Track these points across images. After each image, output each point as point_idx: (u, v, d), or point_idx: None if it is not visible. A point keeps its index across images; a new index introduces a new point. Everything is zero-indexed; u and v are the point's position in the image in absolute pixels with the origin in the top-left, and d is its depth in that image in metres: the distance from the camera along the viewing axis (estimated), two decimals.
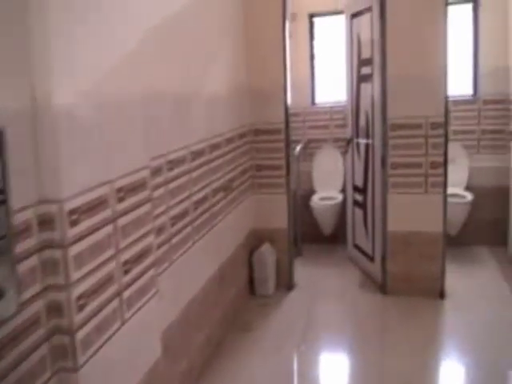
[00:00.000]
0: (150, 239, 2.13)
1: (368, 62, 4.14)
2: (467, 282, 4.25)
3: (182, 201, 2.65)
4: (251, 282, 4.07)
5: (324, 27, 5.36)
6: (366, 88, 4.23)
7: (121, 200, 1.90)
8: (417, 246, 3.91)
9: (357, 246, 4.62)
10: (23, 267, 1.45)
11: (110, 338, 1.80)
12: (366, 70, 4.21)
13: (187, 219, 2.73)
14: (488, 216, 4.97)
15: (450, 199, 4.40)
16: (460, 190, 4.88)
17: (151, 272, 2.13)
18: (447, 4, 3.66)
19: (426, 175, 3.86)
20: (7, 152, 1.33)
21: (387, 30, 3.75)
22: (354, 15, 4.39)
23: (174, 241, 2.54)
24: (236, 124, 3.72)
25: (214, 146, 3.20)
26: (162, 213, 2.40)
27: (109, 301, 1.81)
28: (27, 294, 1.47)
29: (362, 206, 4.45)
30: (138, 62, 2.06)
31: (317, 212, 4.85)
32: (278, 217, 4.11)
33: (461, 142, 5.01)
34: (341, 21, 4.76)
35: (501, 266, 4.55)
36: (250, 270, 4.05)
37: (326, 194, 5.05)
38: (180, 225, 2.63)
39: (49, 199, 1.53)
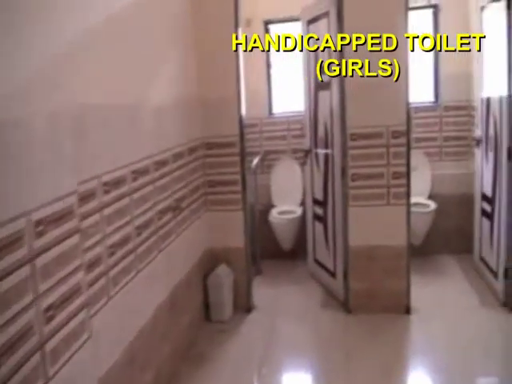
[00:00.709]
0: (80, 276, 1.86)
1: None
2: (434, 295, 4.11)
3: (121, 227, 2.37)
4: (206, 306, 3.80)
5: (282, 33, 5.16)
6: (324, 96, 4.04)
7: (40, 235, 1.63)
8: (380, 260, 3.74)
9: (318, 262, 4.42)
10: None
11: None
12: (324, 78, 4.02)
13: (129, 246, 2.46)
14: (452, 224, 4.88)
15: (412, 209, 4.26)
16: (423, 199, 4.75)
17: (82, 315, 1.86)
18: (408, 9, 3.51)
19: (388, 186, 3.68)
20: None
21: (345, 35, 3.57)
22: (311, 21, 4.20)
23: (112, 273, 2.26)
24: (186, 138, 3.47)
25: (161, 163, 2.94)
26: (97, 243, 2.12)
27: (27, 358, 1.53)
28: None
29: (322, 219, 4.25)
30: (65, 72, 1.82)
31: (276, 227, 4.63)
32: (235, 235, 3.87)
33: (423, 150, 4.90)
34: (298, 28, 4.56)
35: (467, 274, 4.46)
36: (204, 294, 3.78)
37: (285, 208, 4.85)
38: (120, 254, 2.35)
39: None
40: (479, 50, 4.31)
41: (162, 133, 3.01)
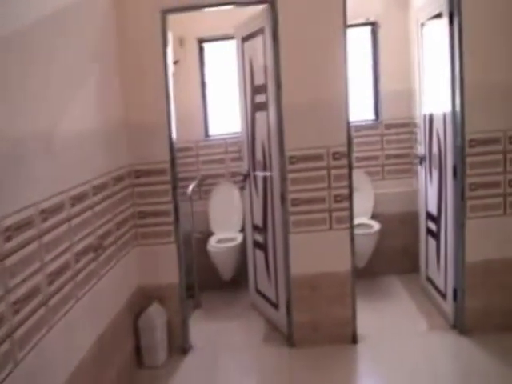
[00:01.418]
0: None
1: (262, 88, 3.75)
2: (381, 320, 3.97)
3: (27, 278, 2.05)
4: (138, 351, 3.47)
5: (216, 53, 4.94)
6: (261, 117, 3.83)
7: None
8: (324, 289, 3.54)
9: (260, 292, 4.17)
10: None
11: None
12: (260, 98, 3.82)
13: (39, 298, 2.14)
14: (397, 243, 4.78)
15: (356, 230, 4.10)
16: (366, 220, 4.61)
17: None
18: (346, 26, 3.37)
19: (330, 210, 3.50)
20: None
21: (281, 54, 3.39)
22: (246, 38, 4.00)
23: (17, 334, 1.94)
24: (110, 166, 3.17)
25: (77, 198, 2.63)
26: None
27: None
28: None
29: (262, 247, 4.02)
30: None
31: (214, 256, 4.35)
32: (168, 270, 3.56)
33: (364, 169, 4.76)
34: (233, 46, 4.35)
35: (414, 296, 4.34)
36: (136, 337, 3.45)
37: (225, 236, 4.58)
38: (27, 309, 2.03)
39: None
40: (420, 67, 4.23)
41: (80, 163, 2.70)
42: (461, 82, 3.40)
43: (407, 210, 4.68)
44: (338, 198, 3.48)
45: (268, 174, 3.77)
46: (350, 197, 3.48)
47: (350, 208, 3.49)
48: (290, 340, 3.61)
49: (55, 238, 2.33)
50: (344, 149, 3.43)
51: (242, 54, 4.11)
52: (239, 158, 4.66)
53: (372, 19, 4.71)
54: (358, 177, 4.67)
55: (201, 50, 4.90)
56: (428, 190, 4.18)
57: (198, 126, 4.87)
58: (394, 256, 4.78)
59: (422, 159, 4.25)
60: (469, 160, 3.47)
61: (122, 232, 3.29)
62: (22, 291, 2.00)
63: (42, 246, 2.19)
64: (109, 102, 3.26)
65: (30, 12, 2.22)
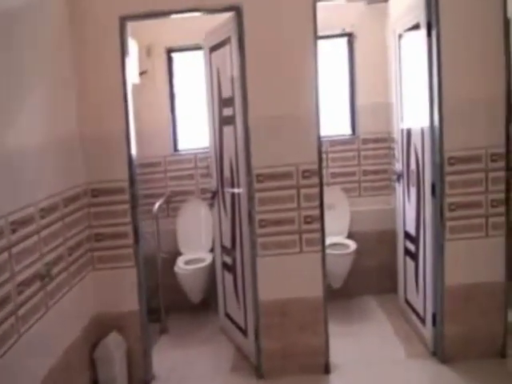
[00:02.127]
0: None
1: (229, 101, 3.53)
2: (356, 346, 3.74)
3: None
4: None
5: (186, 63, 4.72)
6: (228, 132, 3.61)
7: None
8: (295, 315, 3.32)
9: (229, 316, 3.93)
10: None
11: None
12: (227, 112, 3.60)
13: None
14: (374, 263, 4.58)
15: (330, 251, 3.97)
16: (342, 239, 4.41)
17: None
18: (317, 37, 3.17)
19: (301, 232, 3.28)
20: None
21: (247, 65, 3.18)
22: (213, 48, 3.78)
23: None
24: (62, 185, 2.92)
25: (20, 223, 2.38)
26: None
27: None
28: None
29: (231, 269, 3.78)
30: None
31: (182, 278, 4.09)
32: (127, 296, 3.29)
33: (340, 186, 4.56)
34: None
35: (392, 319, 4.14)
36: (93, 370, 3.17)
37: (193, 256, 4.32)
38: None
39: None
40: (397, 80, 4.05)
41: (23, 183, 2.45)
42: (439, 97, 3.22)
43: (385, 228, 4.48)
44: (308, 219, 3.26)
45: (236, 191, 3.54)
46: (321, 218, 3.26)
47: (322, 230, 3.27)
48: (258, 370, 3.38)
49: None
50: (314, 166, 3.22)
51: (209, 64, 3.89)
52: (209, 174, 4.43)
53: (348, 30, 4.53)
54: (334, 194, 4.49)
55: (169, 60, 4.67)
56: (406, 209, 3.98)
57: (167, 139, 4.64)
58: (371, 276, 4.58)
59: (399, 176, 4.06)
60: (448, 178, 3.28)
61: (75, 257, 3.03)
62: None
63: None
64: (61, 114, 3.01)
65: None
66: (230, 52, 3.43)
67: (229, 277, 3.82)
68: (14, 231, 2.32)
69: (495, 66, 3.20)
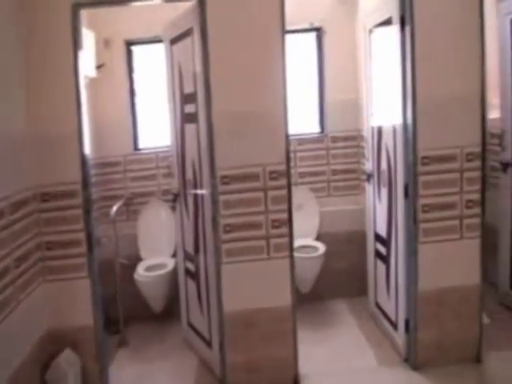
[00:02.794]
0: None
1: (191, 97, 3.30)
2: (326, 354, 3.58)
3: None
4: None
5: (147, 57, 4.46)
6: (191, 130, 3.39)
7: None
8: (261, 326, 3.13)
9: (192, 327, 3.70)
10: None
11: None
12: (189, 108, 3.37)
13: None
14: (344, 265, 4.44)
15: (298, 254, 3.81)
16: (310, 241, 4.25)
17: None
18: (285, 31, 2.98)
19: (268, 237, 3.09)
20: None
21: (211, 59, 2.95)
22: (174, 40, 3.54)
23: None
24: (9, 189, 2.65)
25: None
26: None
27: None
28: None
29: (194, 276, 3.55)
30: None
31: (142, 286, 3.84)
32: (81, 310, 3.03)
33: (309, 186, 4.38)
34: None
35: (362, 324, 4.00)
36: None
37: (155, 262, 4.07)
38: None
39: None
40: (367, 76, 3.89)
41: None
42: (413, 94, 3.07)
43: (355, 229, 4.35)
44: (276, 223, 3.07)
45: (199, 193, 3.32)
46: (289, 222, 3.07)
47: (290, 234, 3.09)
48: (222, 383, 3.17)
49: None
50: (282, 167, 3.03)
51: (170, 58, 3.65)
52: (171, 175, 4.20)
53: (317, 24, 4.35)
54: (303, 194, 4.33)
55: (129, 53, 4.40)
56: (377, 210, 3.83)
57: (126, 137, 4.37)
58: (342, 278, 4.44)
59: (369, 176, 3.90)
60: (422, 179, 3.14)
61: (23, 268, 2.76)
62: None
63: None
64: (6, 112, 2.73)
65: None
66: (191, 44, 3.20)
67: (192, 284, 3.60)
68: None
69: (471, 62, 3.09)
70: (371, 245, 3.99)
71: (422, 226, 3.17)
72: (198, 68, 3.09)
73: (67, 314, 3.04)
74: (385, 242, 3.66)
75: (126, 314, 3.96)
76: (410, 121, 3.10)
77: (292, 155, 4.35)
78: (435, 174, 3.14)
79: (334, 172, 4.46)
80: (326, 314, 4.22)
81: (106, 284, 3.88)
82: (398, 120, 3.23)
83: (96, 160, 4.18)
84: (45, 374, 2.91)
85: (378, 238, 3.83)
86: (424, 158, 3.11)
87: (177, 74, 3.55)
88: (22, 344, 2.71)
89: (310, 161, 4.43)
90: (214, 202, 3.03)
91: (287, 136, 3.02)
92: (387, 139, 3.49)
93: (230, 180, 3.01)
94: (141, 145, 4.46)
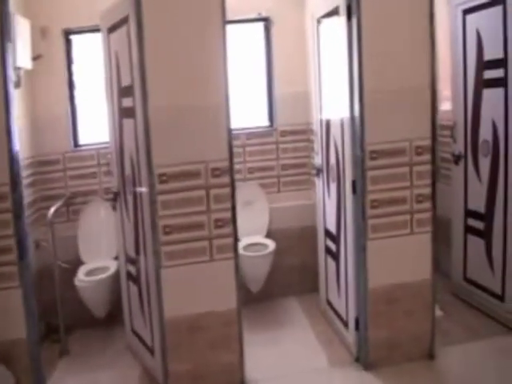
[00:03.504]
0: None
1: (129, 90, 3.10)
2: (275, 355, 3.48)
3: None
4: None
5: (87, 47, 4.21)
6: (128, 125, 3.18)
7: None
8: (205, 331, 2.99)
9: (136, 333, 3.51)
10: None
11: None
12: (127, 102, 3.16)
13: None
14: (295, 261, 4.34)
15: (247, 253, 3.71)
16: (260, 238, 4.12)
17: None
18: (226, 21, 2.82)
19: (211, 238, 2.93)
20: None
21: (147, 49, 2.76)
22: (111, 29, 3.33)
23: None
24: None
25: None
26: None
27: None
28: None
29: (136, 280, 3.37)
30: None
31: (82, 292, 3.61)
32: (13, 323, 2.79)
33: (258, 181, 4.25)
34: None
35: (314, 322, 3.91)
36: None
37: (96, 265, 3.85)
38: None
39: None
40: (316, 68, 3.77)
41: None
42: (360, 86, 2.97)
43: (306, 225, 4.25)
44: (219, 223, 2.91)
45: (138, 193, 3.13)
46: (233, 221, 2.92)
47: (234, 234, 2.94)
48: None
49: None
50: (225, 164, 2.87)
51: (108, 48, 3.43)
52: (110, 172, 3.99)
53: (264, 14, 4.20)
54: (252, 190, 4.21)
55: (68, 43, 4.14)
56: (326, 206, 3.73)
57: (66, 133, 4.12)
58: (293, 275, 4.34)
59: (319, 170, 3.79)
60: (370, 174, 3.04)
61: None
62: None
63: None
64: None
65: None
66: (127, 34, 3.00)
67: (134, 289, 3.41)
68: None
69: (421, 54, 3.00)
70: (322, 241, 3.89)
71: (371, 221, 3.08)
72: (134, 59, 2.89)
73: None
74: (334, 238, 3.57)
75: (69, 320, 3.75)
76: (357, 114, 3.00)
77: (240, 150, 4.21)
78: (384, 168, 3.05)
79: (284, 167, 4.33)
80: (278, 313, 4.10)
81: (47, 290, 3.68)
82: (345, 113, 3.11)
83: (33, 158, 3.94)
84: None
85: (327, 234, 3.73)
86: (372, 152, 3.02)
87: (114, 66, 3.35)
88: None
89: (259, 155, 4.28)
90: (152, 201, 2.85)
91: (230, 131, 2.87)
92: (335, 133, 3.38)
93: (169, 178, 2.84)
94: (81, 141, 4.22)
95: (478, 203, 3.84)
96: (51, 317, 3.70)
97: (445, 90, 4.35)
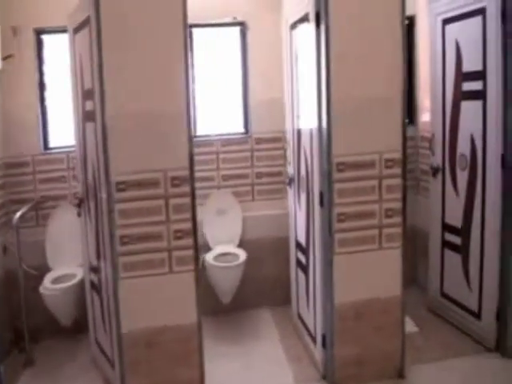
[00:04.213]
0: None
1: (91, 93, 3.00)
2: (239, 373, 3.36)
3: None
4: None
5: (58, 48, 4.10)
6: (90, 129, 3.09)
7: None
8: (164, 346, 2.88)
9: (99, 344, 3.41)
10: None
11: None
12: (89, 105, 3.06)
13: None
14: (269, 272, 4.23)
15: (217, 263, 3.64)
16: (232, 248, 4.03)
17: None
18: (187, 26, 2.74)
19: (170, 249, 2.83)
20: None
21: (105, 51, 2.68)
22: (77, 30, 3.23)
23: None
24: None
25: None
26: None
27: None
28: None
29: (98, 290, 3.26)
30: None
31: (48, 300, 3.49)
32: None
33: (232, 189, 4.15)
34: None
35: (284, 335, 3.82)
36: None
37: (63, 272, 3.73)
38: None
39: None
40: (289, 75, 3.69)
41: None
42: (327, 95, 2.89)
43: (280, 235, 4.12)
44: (178, 234, 2.81)
45: (99, 200, 3.03)
46: (193, 233, 2.82)
47: (195, 245, 2.84)
48: None
49: None
50: (185, 172, 2.77)
51: (73, 49, 3.34)
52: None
53: (240, 19, 4.10)
54: (225, 198, 4.11)
55: (39, 43, 4.04)
56: (297, 217, 3.63)
57: (36, 136, 4.02)
58: (266, 287, 4.24)
59: (291, 180, 3.70)
60: (337, 186, 2.95)
61: None
62: None
63: None
64: None
65: None
66: (89, 35, 2.90)
67: (96, 299, 3.31)
68: None
69: (392, 63, 2.92)
70: (293, 253, 3.80)
71: (338, 235, 2.99)
72: (94, 61, 2.79)
73: None
74: (304, 250, 3.47)
75: (34, 329, 3.64)
76: (324, 125, 2.91)
77: (215, 157, 4.13)
78: (352, 181, 2.96)
79: (259, 175, 4.24)
80: (249, 325, 4.00)
81: (13, 297, 3.57)
82: (314, 123, 3.02)
83: (2, 160, 3.85)
84: None
85: (298, 246, 3.64)
86: (339, 164, 2.93)
87: (78, 67, 3.25)
88: None
89: (234, 163, 4.19)
90: (110, 210, 2.74)
91: (191, 138, 2.77)
92: (305, 143, 3.29)
93: (127, 186, 2.74)
94: (51, 144, 4.11)
95: (456, 217, 3.76)
96: (16, 326, 3.59)
97: (425, 100, 4.26)
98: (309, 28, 3.02)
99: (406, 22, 4.30)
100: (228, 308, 3.95)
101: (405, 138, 3.00)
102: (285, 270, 4.04)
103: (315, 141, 3.03)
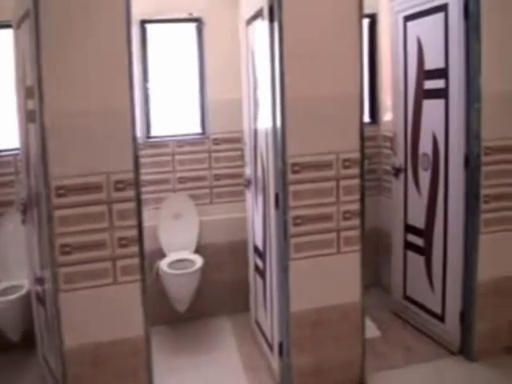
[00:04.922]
0: None
1: (32, 92, 2.80)
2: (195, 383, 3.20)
3: None
4: None
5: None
6: (32, 130, 2.88)
7: None
8: (110, 362, 2.69)
9: (45, 360, 3.20)
10: None
11: None
12: (31, 104, 2.86)
13: None
14: (228, 278, 4.07)
15: (170, 270, 3.54)
16: (188, 254, 3.87)
17: None
18: (131, 21, 2.57)
19: (114, 258, 2.65)
20: None
21: (44, 45, 2.48)
22: (19, 23, 3.01)
23: None
24: None
25: None
26: None
27: None
28: None
29: (43, 302, 3.06)
30: None
31: None
32: None
33: (189, 192, 4.00)
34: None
35: (242, 343, 3.68)
36: None
37: (11, 283, 3.51)
38: None
39: None
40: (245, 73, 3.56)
41: None
42: (281, 94, 2.75)
43: (239, 239, 3.96)
44: (123, 242, 2.64)
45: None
46: (139, 240, 2.65)
47: (140, 255, 2.67)
48: None
49: None
50: (130, 176, 2.60)
51: (17, 43, 3.13)
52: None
53: (196, 15, 3.95)
54: (181, 201, 3.96)
55: None
56: (255, 220, 3.50)
57: None
58: (225, 293, 4.07)
59: (248, 182, 3.57)
60: (292, 188, 2.83)
61: None
62: None
63: None
64: None
65: None
66: (29, 29, 2.71)
67: (42, 311, 3.11)
68: None
69: (349, 60, 2.81)
70: (251, 257, 3.67)
71: (294, 240, 2.87)
72: (31, 58, 2.61)
73: None
74: (261, 255, 3.34)
75: None
76: (279, 124, 2.77)
77: (170, 158, 3.97)
78: (308, 182, 2.84)
79: (217, 177, 4.10)
80: (206, 333, 3.85)
81: None
82: (268, 123, 2.89)
83: None
84: None
85: (256, 250, 3.51)
86: (294, 165, 2.80)
87: (21, 64, 3.05)
88: None
89: (191, 164, 4.04)
90: (49, 217, 2.56)
91: (135, 139, 2.60)
92: (261, 143, 3.16)
93: (67, 191, 2.55)
94: (1, 146, 3.88)
95: (418, 218, 3.68)
96: None
97: (388, 99, 4.18)
98: (263, 24, 2.88)
99: (369, 19, 4.28)
100: (185, 317, 3.80)
101: (362, 138, 2.90)
102: (244, 275, 3.90)
103: (270, 141, 2.89)
